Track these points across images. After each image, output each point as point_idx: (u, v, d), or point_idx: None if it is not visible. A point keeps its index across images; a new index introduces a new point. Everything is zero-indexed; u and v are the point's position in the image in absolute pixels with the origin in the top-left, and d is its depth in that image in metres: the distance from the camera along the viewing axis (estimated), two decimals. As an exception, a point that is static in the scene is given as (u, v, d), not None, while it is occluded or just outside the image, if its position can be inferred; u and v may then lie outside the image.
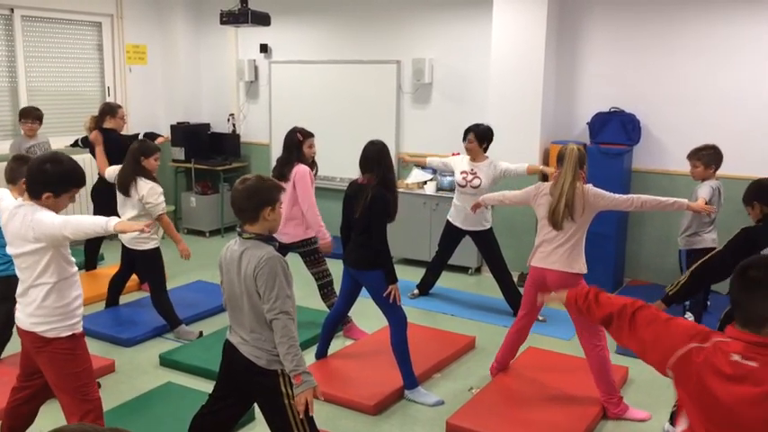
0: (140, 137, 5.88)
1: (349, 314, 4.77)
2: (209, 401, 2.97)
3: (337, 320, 4.48)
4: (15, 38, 6.66)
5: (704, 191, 4.57)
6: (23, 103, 6.77)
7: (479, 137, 5.30)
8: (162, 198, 4.71)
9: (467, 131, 5.36)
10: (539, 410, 3.82)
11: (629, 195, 3.92)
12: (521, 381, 4.15)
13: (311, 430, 2.80)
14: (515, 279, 5.64)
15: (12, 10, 6.59)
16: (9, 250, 2.96)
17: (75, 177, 2.91)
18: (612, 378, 3.85)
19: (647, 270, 6.25)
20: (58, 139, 6.51)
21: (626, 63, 6.09)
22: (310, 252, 4.87)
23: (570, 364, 4.38)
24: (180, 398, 3.82)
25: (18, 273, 2.96)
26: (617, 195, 3.86)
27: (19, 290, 2.95)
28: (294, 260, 4.14)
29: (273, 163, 5.02)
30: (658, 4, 5.91)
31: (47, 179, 2.84)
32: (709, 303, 5.23)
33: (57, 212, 2.89)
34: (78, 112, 7.05)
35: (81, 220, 2.85)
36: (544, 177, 5.19)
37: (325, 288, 4.91)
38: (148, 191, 4.64)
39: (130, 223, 2.80)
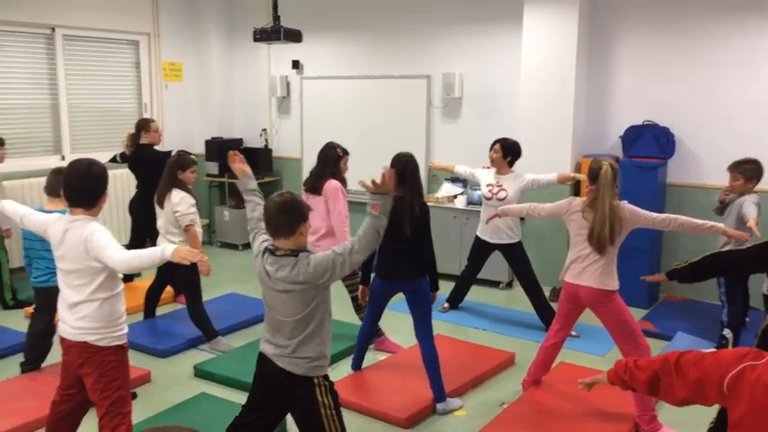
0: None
1: (381, 328, 4.80)
2: (242, 413, 3.00)
3: (370, 333, 4.51)
4: (57, 56, 6.87)
5: (751, 210, 4.46)
6: (64, 120, 6.97)
7: (506, 148, 5.31)
8: (193, 209, 4.78)
9: (494, 142, 5.38)
10: (569, 426, 3.79)
11: (666, 215, 3.85)
12: (552, 395, 4.12)
13: (345, 441, 2.82)
14: (547, 294, 5.61)
15: (53, 29, 6.81)
16: (62, 265, 3.02)
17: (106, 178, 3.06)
18: (648, 394, 3.79)
19: (682, 285, 6.12)
20: (96, 154, 6.63)
21: (659, 75, 6.05)
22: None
23: (604, 380, 4.32)
24: (213, 409, 3.88)
25: (66, 288, 3.02)
26: (653, 214, 3.80)
27: (68, 303, 3.01)
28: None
29: (304, 177, 5.06)
30: (692, 16, 5.87)
31: (100, 183, 2.98)
32: (747, 320, 5.14)
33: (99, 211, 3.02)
34: (116, 128, 7.23)
35: (140, 257, 2.87)
36: (575, 186, 5.15)
37: (357, 300, 4.94)
38: (180, 200, 4.74)
39: (188, 250, 2.85)
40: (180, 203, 4.74)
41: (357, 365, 4.51)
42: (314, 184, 4.81)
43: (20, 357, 4.46)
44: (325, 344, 2.83)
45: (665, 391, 2.13)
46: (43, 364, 4.41)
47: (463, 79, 6.92)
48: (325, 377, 2.84)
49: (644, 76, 6.12)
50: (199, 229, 4.81)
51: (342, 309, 5.29)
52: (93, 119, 7.28)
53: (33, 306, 4.45)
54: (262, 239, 2.93)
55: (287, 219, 2.75)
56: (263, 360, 2.89)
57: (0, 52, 6.47)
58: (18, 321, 5.30)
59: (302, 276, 2.68)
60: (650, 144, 5.97)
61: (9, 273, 5.69)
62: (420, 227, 3.96)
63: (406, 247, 3.98)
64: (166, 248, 2.87)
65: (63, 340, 3.07)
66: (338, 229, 4.75)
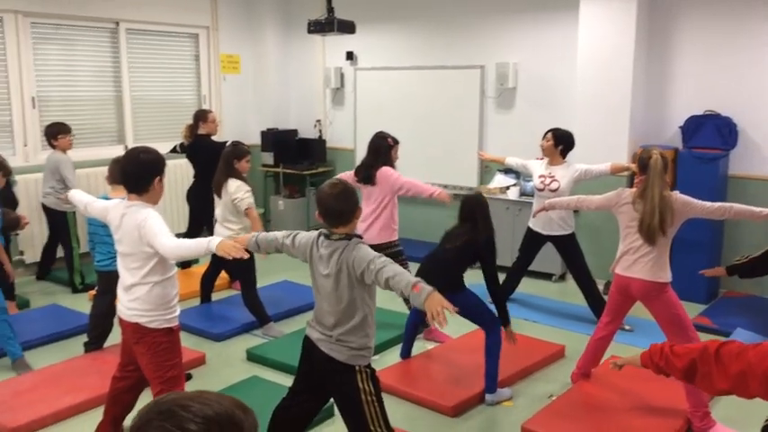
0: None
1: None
2: (288, 395, 3.08)
3: (418, 322, 4.53)
4: (120, 50, 7.12)
5: None
6: (128, 112, 7.22)
7: (557, 138, 5.23)
8: (249, 195, 4.90)
9: (547, 132, 5.31)
10: (618, 419, 3.73)
11: (721, 204, 3.73)
12: (602, 389, 4.07)
13: (386, 427, 2.86)
14: (601, 287, 5.51)
15: (117, 24, 7.06)
16: (120, 249, 3.17)
17: (163, 158, 3.18)
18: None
19: (744, 280, 5.92)
20: (156, 144, 6.85)
21: (722, 64, 5.84)
22: (394, 254, 4.92)
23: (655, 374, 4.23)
24: (264, 391, 3.98)
25: (123, 270, 3.18)
26: (707, 204, 3.70)
27: (124, 285, 3.16)
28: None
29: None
30: (755, 3, 5.64)
31: (150, 169, 3.08)
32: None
33: (160, 197, 3.14)
34: (176, 119, 7.45)
35: (188, 247, 2.99)
36: (632, 177, 5.05)
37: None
38: (236, 188, 4.86)
39: (231, 245, 2.94)
40: (237, 191, 4.86)
41: (406, 354, 4.55)
42: (367, 174, 4.85)
43: (84, 338, 4.68)
44: (368, 337, 2.87)
45: (701, 380, 2.08)
46: (105, 345, 4.61)
47: (517, 69, 6.84)
48: (368, 365, 2.89)
49: (706, 64, 5.92)
50: (258, 212, 4.93)
51: (391, 298, 5.35)
52: (154, 110, 7.52)
53: (96, 289, 4.66)
54: (305, 234, 2.96)
55: (344, 207, 2.81)
56: (308, 344, 2.96)
57: (68, 46, 6.75)
58: (84, 304, 5.56)
59: (347, 259, 2.75)
60: (711, 135, 5.79)
61: (79, 258, 5.97)
62: (485, 258, 4.07)
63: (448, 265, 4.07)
64: (212, 241, 2.96)
65: (120, 320, 3.22)
66: (417, 185, 4.79)
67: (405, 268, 4.87)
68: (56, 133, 5.84)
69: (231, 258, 2.90)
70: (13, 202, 5.50)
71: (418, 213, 7.43)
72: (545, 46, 6.67)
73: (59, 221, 5.92)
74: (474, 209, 4.11)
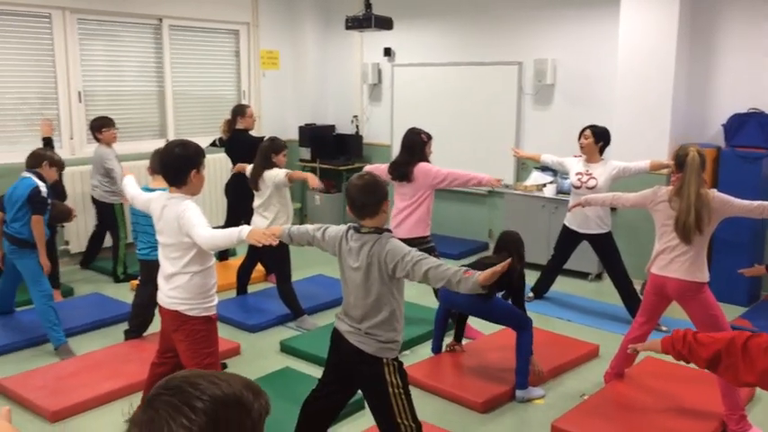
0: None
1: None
2: (317, 387, 3.13)
3: (447, 315, 4.54)
4: (163, 45, 7.28)
5: None
6: (169, 106, 7.38)
7: (596, 135, 5.17)
8: (282, 171, 4.94)
9: (584, 128, 5.25)
10: (650, 420, 3.68)
11: (760, 203, 3.63)
12: (635, 389, 4.02)
13: (414, 420, 2.88)
14: (638, 287, 5.43)
15: (160, 20, 7.21)
16: (160, 239, 3.27)
17: (201, 150, 3.23)
18: (738, 393, 3.63)
19: (787, 283, 5.81)
20: (196, 139, 6.96)
21: (767, 61, 5.69)
22: (426, 250, 4.91)
23: (692, 375, 4.15)
24: (296, 382, 4.04)
25: (163, 260, 3.27)
26: (745, 202, 3.62)
27: (165, 274, 3.26)
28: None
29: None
30: (806, -3, 5.48)
31: (186, 162, 3.14)
32: None
33: (200, 189, 3.20)
34: (216, 114, 7.59)
35: (221, 237, 3.08)
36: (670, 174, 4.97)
37: (439, 289, 4.98)
38: (274, 173, 4.92)
39: (262, 233, 3.02)
40: (272, 176, 4.91)
41: (437, 349, 4.56)
42: (403, 172, 4.80)
43: (124, 325, 4.81)
44: (396, 331, 2.90)
45: (725, 371, 2.06)
46: (145, 333, 4.74)
47: (556, 65, 6.77)
48: (395, 358, 2.92)
49: (750, 60, 5.78)
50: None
51: (421, 293, 5.38)
52: (195, 105, 7.67)
53: (138, 279, 4.79)
54: (334, 228, 3.00)
55: (371, 199, 2.84)
56: (336, 336, 3.00)
57: (113, 42, 6.93)
58: (126, 293, 5.72)
59: (378, 253, 2.77)
60: (755, 133, 5.65)
61: (125, 248, 6.14)
62: (516, 291, 4.19)
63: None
64: (243, 230, 3.04)
65: (160, 308, 3.32)
66: (462, 176, 4.78)
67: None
68: (100, 127, 6.01)
69: (261, 246, 2.96)
70: (62, 195, 5.69)
71: (454, 210, 7.43)
72: (584, 42, 6.59)
73: (107, 213, 6.12)
74: (509, 244, 4.16)
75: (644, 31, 5.89)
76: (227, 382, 1.12)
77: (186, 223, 3.08)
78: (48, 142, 5.65)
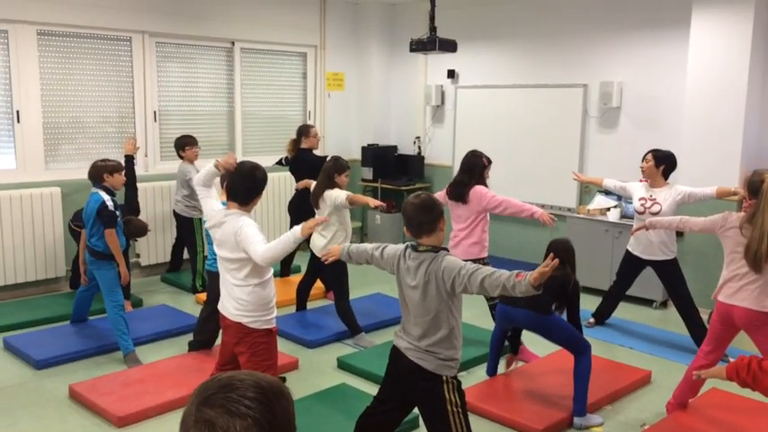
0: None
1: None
2: (373, 403, 3.16)
3: (503, 336, 4.51)
4: (235, 67, 7.55)
5: None
6: (238, 126, 7.64)
7: (658, 158, 5.06)
8: (341, 192, 5.04)
9: (647, 153, 5.15)
10: (717, 455, 3.55)
11: None
12: (698, 421, 3.88)
13: (470, 440, 2.88)
14: (705, 317, 5.25)
15: (233, 43, 7.50)
16: (219, 252, 3.40)
17: (265, 183, 3.36)
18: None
19: None
20: (263, 158, 7.22)
21: None
22: (483, 272, 4.94)
23: (757, 408, 3.99)
24: (352, 399, 4.09)
25: (224, 272, 3.39)
26: None
27: (226, 286, 3.37)
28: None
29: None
30: None
31: (258, 185, 3.30)
32: None
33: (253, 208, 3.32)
34: (282, 134, 7.80)
35: (276, 247, 3.19)
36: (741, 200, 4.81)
37: (495, 309, 4.95)
38: (330, 193, 5.03)
39: (311, 221, 3.16)
40: (332, 195, 4.99)
41: (492, 371, 4.53)
42: (460, 192, 4.86)
43: (189, 337, 4.98)
44: (455, 348, 2.91)
45: None
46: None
47: (622, 88, 6.67)
48: (454, 376, 2.92)
49: (830, 84, 5.55)
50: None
51: (478, 314, 5.35)
52: (262, 125, 7.91)
53: (206, 293, 4.95)
54: (393, 247, 3.05)
55: (428, 217, 2.88)
56: (395, 353, 3.04)
57: (188, 64, 7.24)
58: (192, 305, 5.93)
59: (435, 271, 2.81)
60: (834, 159, 5.40)
61: (203, 261, 6.35)
62: (570, 302, 4.10)
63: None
64: (295, 230, 3.17)
65: (223, 319, 3.42)
66: (513, 204, 4.76)
67: None
68: (184, 145, 6.32)
69: (311, 229, 3.14)
70: (136, 210, 5.96)
71: (515, 232, 7.37)
72: (652, 64, 6.47)
73: (187, 226, 6.40)
74: (559, 252, 4.08)
75: (715, 52, 5.75)
76: (264, 377, 1.20)
77: (243, 240, 3.19)
78: (129, 160, 5.91)
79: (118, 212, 4.89)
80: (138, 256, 6.83)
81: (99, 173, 4.85)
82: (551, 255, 2.72)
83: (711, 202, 5.08)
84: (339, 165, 5.18)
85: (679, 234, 5.21)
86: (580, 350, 3.99)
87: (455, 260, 2.82)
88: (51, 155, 6.37)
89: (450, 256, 2.86)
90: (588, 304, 5.96)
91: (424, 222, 2.89)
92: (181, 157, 6.36)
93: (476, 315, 5.42)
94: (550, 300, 4.02)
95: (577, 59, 6.99)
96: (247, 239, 3.19)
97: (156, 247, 6.88)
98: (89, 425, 3.88)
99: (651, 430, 3.83)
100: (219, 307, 3.45)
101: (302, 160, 6.36)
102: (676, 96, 6.21)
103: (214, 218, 3.43)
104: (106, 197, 4.80)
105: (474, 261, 4.82)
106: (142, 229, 5.71)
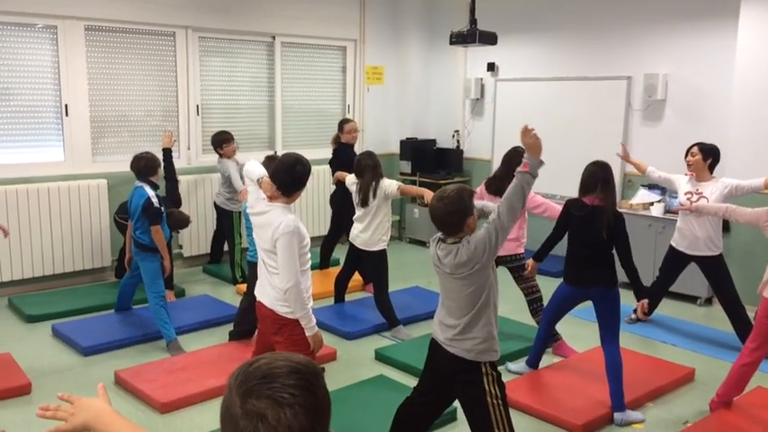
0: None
1: (559, 332, 4.75)
2: (412, 395, 3.18)
3: (551, 328, 4.49)
4: (275, 62, 7.63)
5: None
6: (278, 120, 7.71)
7: (705, 151, 4.95)
8: (391, 182, 5.15)
9: (691, 146, 5.04)
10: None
11: None
12: (743, 419, 3.79)
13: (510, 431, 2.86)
14: (752, 315, 5.11)
15: (274, 37, 7.57)
16: (258, 241, 3.43)
17: (307, 177, 3.35)
18: None
19: None
20: (303, 151, 7.22)
21: None
22: (520, 267, 4.91)
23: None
24: (389, 390, 4.11)
25: (263, 256, 3.40)
26: None
27: (264, 272, 3.40)
28: (504, 275, 4.18)
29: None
30: None
31: (300, 179, 3.28)
32: None
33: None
34: (321, 127, 7.86)
35: (298, 300, 3.23)
36: None
37: (534, 303, 4.92)
38: (383, 183, 5.09)
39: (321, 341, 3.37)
40: (387, 186, 5.08)
41: (532, 362, 4.50)
42: (499, 187, 4.83)
43: (230, 326, 5.06)
44: (491, 324, 2.89)
45: None
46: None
47: (667, 80, 6.53)
48: (494, 366, 2.91)
49: None
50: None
51: (517, 309, 5.31)
52: (302, 118, 7.97)
53: (246, 284, 5.03)
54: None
55: (454, 219, 2.86)
56: (434, 346, 3.04)
57: (230, 58, 7.34)
58: (232, 296, 6.02)
59: (466, 256, 2.80)
60: None
61: (240, 252, 6.46)
62: (616, 234, 3.94)
63: (599, 253, 4.00)
64: (313, 327, 3.31)
65: (259, 308, 3.44)
66: (557, 208, 4.69)
67: (531, 282, 4.85)
68: (221, 142, 6.44)
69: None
70: (177, 202, 6.09)
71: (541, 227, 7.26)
72: (699, 56, 6.32)
73: (226, 219, 6.54)
74: (595, 173, 4.03)
75: (764, 44, 5.58)
76: (298, 358, 1.21)
77: (278, 248, 3.18)
78: (167, 153, 6.04)
79: (162, 208, 5.00)
80: (180, 247, 6.96)
81: (151, 166, 4.97)
82: (525, 124, 3.03)
83: (762, 196, 4.94)
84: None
85: (725, 229, 5.08)
86: (615, 334, 3.93)
87: (481, 235, 2.81)
88: (98, 148, 6.53)
89: (476, 234, 2.85)
90: (630, 300, 5.85)
91: (448, 224, 2.88)
92: (219, 154, 6.46)
93: (512, 310, 5.39)
94: (605, 273, 3.95)
95: (621, 51, 6.86)
96: (280, 256, 3.18)
97: (198, 238, 7.01)
98: (134, 410, 3.98)
99: (694, 428, 3.76)
100: (257, 292, 3.45)
101: (338, 154, 6.41)
102: (723, 89, 6.05)
103: (256, 206, 3.44)
104: (150, 192, 4.91)
105: (510, 257, 4.85)
106: (184, 222, 5.85)
